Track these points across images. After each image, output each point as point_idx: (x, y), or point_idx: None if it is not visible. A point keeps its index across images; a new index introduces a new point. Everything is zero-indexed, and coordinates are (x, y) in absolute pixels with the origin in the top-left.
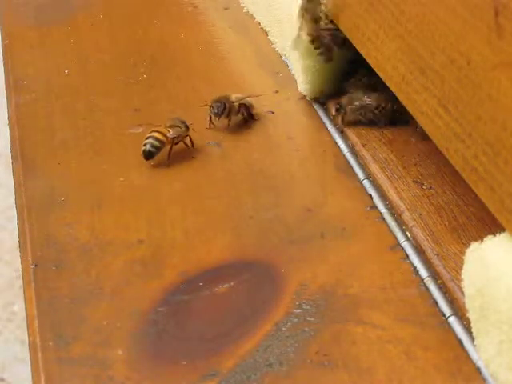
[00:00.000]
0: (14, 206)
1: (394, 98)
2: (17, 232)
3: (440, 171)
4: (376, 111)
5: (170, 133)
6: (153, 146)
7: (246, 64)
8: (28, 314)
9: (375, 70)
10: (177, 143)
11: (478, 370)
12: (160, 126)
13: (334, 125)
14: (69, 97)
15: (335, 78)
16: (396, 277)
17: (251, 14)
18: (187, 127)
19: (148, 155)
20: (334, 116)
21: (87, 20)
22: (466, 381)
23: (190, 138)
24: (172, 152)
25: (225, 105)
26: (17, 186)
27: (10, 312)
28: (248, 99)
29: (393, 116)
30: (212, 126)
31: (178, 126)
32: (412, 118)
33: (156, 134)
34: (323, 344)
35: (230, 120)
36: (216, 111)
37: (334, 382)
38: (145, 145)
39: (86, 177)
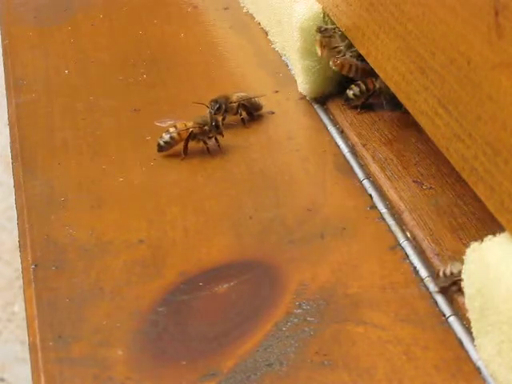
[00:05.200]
0: (14, 206)
1: None
2: (17, 232)
3: (440, 171)
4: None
5: (175, 129)
6: (164, 140)
7: (246, 64)
8: (28, 314)
9: (375, 69)
10: (199, 141)
11: (478, 369)
12: (186, 121)
13: (334, 125)
14: (69, 97)
15: (335, 78)
16: (396, 277)
17: (251, 14)
18: (216, 127)
19: (159, 148)
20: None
21: (87, 20)
22: (466, 381)
23: (217, 139)
24: (188, 148)
25: (220, 104)
26: (17, 186)
27: (10, 312)
28: (254, 99)
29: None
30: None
31: (200, 124)
32: None
33: (172, 130)
34: (323, 344)
35: (224, 119)
36: (211, 110)
37: (333, 382)
38: (160, 137)
39: (86, 177)
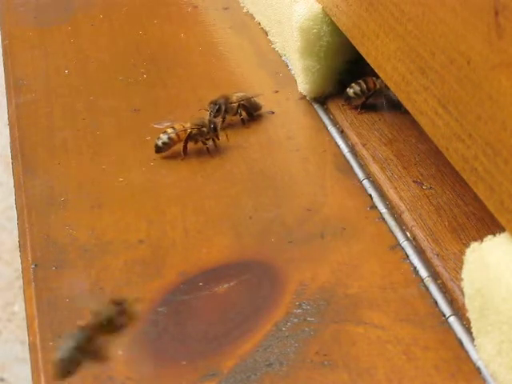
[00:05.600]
0: (14, 206)
1: None
2: (17, 232)
3: (440, 171)
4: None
5: (173, 130)
6: (162, 141)
7: (246, 64)
8: (28, 314)
9: (375, 69)
10: (197, 141)
11: (478, 370)
12: (184, 122)
13: (335, 124)
14: (69, 97)
15: (335, 78)
16: (396, 277)
17: (251, 14)
18: (214, 129)
19: (157, 150)
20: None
21: (87, 20)
22: (466, 381)
23: (214, 140)
24: (188, 149)
25: (220, 105)
26: (17, 186)
27: (10, 312)
28: (254, 99)
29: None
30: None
31: (198, 126)
32: None
33: (169, 131)
34: (323, 344)
35: (223, 120)
36: (211, 113)
37: (333, 382)
38: (158, 139)
39: (86, 177)
